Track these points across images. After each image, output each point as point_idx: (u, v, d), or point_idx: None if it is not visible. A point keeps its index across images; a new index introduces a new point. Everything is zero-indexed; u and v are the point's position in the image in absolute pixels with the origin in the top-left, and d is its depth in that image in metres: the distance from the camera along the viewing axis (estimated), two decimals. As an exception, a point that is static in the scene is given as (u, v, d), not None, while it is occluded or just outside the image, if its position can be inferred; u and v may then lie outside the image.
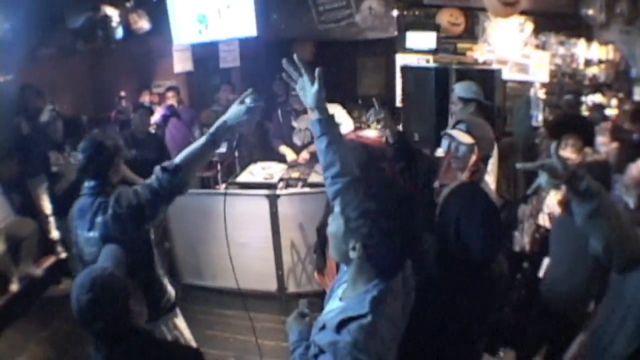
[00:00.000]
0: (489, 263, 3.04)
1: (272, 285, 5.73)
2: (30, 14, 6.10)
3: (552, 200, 4.31)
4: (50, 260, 6.18)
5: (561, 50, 7.60)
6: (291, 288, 5.76)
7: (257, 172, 6.09)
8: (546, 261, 4.14)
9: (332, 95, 5.84)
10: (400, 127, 6.01)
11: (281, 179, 5.88)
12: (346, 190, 1.89)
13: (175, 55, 7.97)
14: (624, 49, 7.01)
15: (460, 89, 4.93)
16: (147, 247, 3.34)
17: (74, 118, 7.21)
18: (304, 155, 6.36)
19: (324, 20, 7.72)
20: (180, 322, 3.63)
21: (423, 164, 4.00)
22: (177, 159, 2.88)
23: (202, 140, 2.87)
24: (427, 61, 7.63)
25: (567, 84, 7.60)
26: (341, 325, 1.76)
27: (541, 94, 6.67)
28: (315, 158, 5.73)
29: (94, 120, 7.84)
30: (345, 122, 6.54)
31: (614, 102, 6.91)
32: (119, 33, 7.61)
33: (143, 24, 7.80)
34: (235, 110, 2.81)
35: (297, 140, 6.54)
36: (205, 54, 8.23)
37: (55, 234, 6.18)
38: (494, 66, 7.39)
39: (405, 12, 7.81)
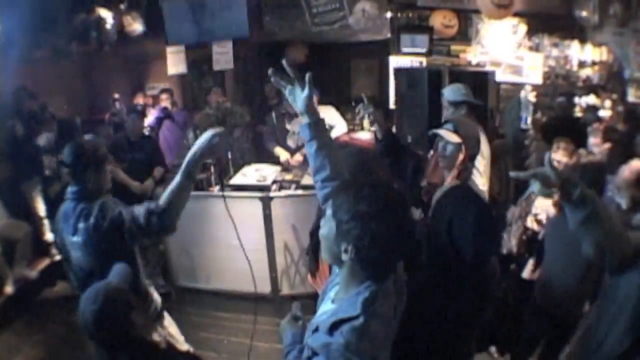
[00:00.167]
0: (482, 265, 3.06)
1: (265, 288, 5.72)
2: (24, 16, 6.10)
3: (541, 203, 4.32)
4: (45, 262, 6.14)
5: (555, 51, 7.64)
6: (285, 290, 5.76)
7: (250, 174, 6.06)
8: (530, 262, 4.18)
9: (325, 98, 5.90)
10: (393, 129, 6.01)
11: (274, 181, 5.84)
12: (337, 194, 1.89)
13: (169, 58, 7.97)
14: (617, 50, 7.06)
15: (449, 93, 4.91)
16: (131, 258, 3.32)
17: (68, 120, 7.20)
18: (298, 157, 6.34)
19: (317, 23, 7.73)
20: (171, 327, 3.61)
21: (411, 161, 4.03)
22: (161, 201, 2.93)
23: (177, 179, 2.91)
24: (421, 63, 7.63)
25: (560, 85, 7.64)
26: (334, 327, 1.77)
27: (531, 96, 6.68)
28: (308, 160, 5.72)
29: (87, 123, 7.82)
30: (338, 124, 6.54)
31: (608, 103, 6.94)
32: (113, 35, 7.61)
33: (137, 26, 7.82)
34: (202, 139, 2.86)
35: (290, 143, 6.52)
36: (198, 56, 8.25)
37: (49, 236, 6.15)
38: (488, 68, 7.42)
39: (398, 14, 7.81)
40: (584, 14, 6.74)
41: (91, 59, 8.60)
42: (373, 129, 4.46)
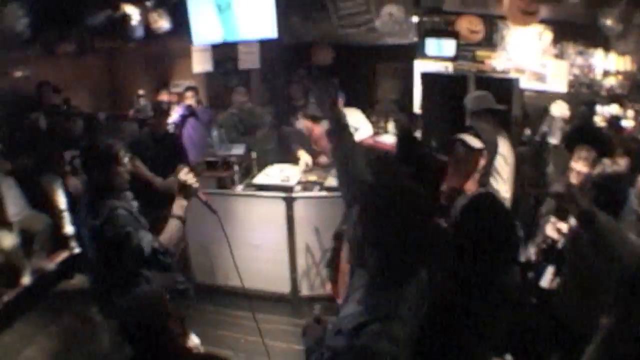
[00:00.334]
0: (504, 273, 3.06)
1: (285, 288, 5.75)
2: (49, 11, 6.16)
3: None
4: (63, 255, 6.24)
5: (579, 60, 7.58)
6: (304, 291, 5.78)
7: (274, 174, 6.08)
8: (549, 270, 4.16)
9: (351, 100, 5.91)
10: (418, 134, 6.01)
11: (298, 182, 5.87)
12: (364, 199, 1.92)
13: (195, 55, 8.03)
14: (640, 60, 7.01)
15: (470, 103, 4.90)
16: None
17: (91, 115, 7.27)
18: (322, 159, 6.36)
19: (344, 25, 7.73)
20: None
21: (431, 165, 4.03)
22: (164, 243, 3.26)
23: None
24: (446, 68, 7.60)
25: (583, 94, 7.59)
26: (356, 329, 1.80)
27: (564, 109, 6.64)
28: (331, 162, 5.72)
29: (111, 118, 7.89)
30: (363, 127, 6.50)
31: (630, 113, 6.89)
32: (139, 32, 7.66)
33: (163, 23, 7.85)
34: None
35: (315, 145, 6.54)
36: (224, 55, 8.27)
37: (68, 229, 6.25)
38: (512, 75, 7.39)
39: (424, 19, 7.80)
40: (609, 22, 6.68)
41: (116, 55, 8.68)
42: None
